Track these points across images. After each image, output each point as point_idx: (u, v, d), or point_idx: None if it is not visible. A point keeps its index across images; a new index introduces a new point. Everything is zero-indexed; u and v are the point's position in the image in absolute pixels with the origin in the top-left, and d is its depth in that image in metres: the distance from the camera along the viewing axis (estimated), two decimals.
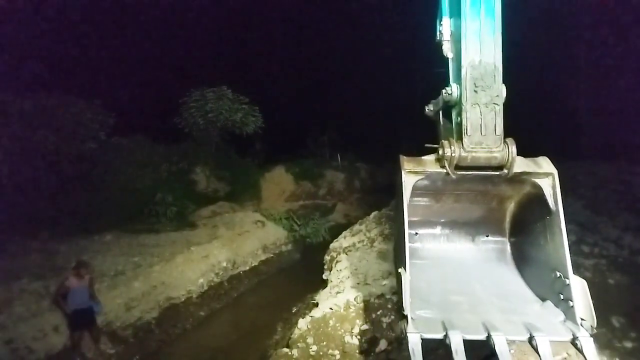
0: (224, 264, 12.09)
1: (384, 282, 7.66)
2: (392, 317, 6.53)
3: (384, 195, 17.03)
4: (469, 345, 3.61)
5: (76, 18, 21.87)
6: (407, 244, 4.05)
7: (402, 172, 4.20)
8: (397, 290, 4.92)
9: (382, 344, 6.01)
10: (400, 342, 5.92)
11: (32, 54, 18.69)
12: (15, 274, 9.18)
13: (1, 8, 16.41)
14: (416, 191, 4.31)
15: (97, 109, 14.65)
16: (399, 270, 4.10)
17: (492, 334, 3.61)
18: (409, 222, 4.12)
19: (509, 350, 3.56)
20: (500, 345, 3.54)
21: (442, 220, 5.35)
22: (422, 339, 3.63)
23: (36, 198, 12.23)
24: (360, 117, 28.78)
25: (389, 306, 6.79)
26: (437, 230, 5.40)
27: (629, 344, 5.66)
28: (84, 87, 18.45)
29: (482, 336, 3.68)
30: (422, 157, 4.37)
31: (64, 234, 12.22)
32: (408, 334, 3.64)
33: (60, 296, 7.64)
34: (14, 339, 7.31)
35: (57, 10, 20.59)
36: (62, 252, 10.81)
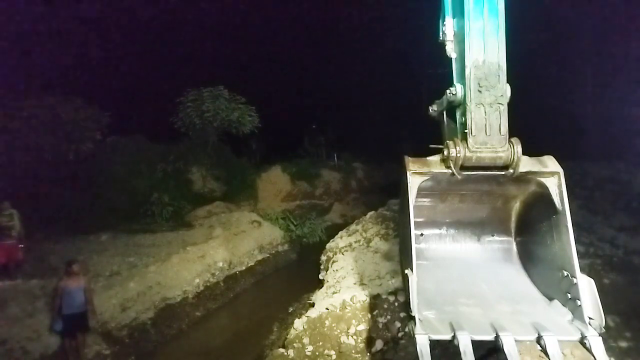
0: (220, 264, 12.04)
1: (380, 282, 7.65)
2: (389, 317, 6.52)
3: (380, 195, 17.05)
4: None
5: (73, 18, 21.79)
6: (414, 246, 4.03)
7: (407, 173, 4.16)
8: (405, 292, 4.91)
9: (378, 344, 6.00)
10: (396, 343, 5.92)
11: (28, 55, 18.61)
12: (10, 274, 9.14)
13: None
14: (421, 192, 4.28)
15: (93, 108, 14.61)
16: (406, 271, 4.07)
17: (500, 334, 3.60)
18: (414, 222, 4.11)
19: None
20: (508, 345, 3.53)
21: (448, 221, 5.34)
22: (430, 340, 3.61)
23: (31, 198, 12.15)
24: (357, 117, 28.84)
25: (385, 306, 6.78)
26: (443, 230, 5.38)
27: (624, 344, 5.68)
28: (80, 87, 18.39)
29: (490, 336, 3.66)
30: (427, 158, 4.34)
31: (59, 233, 12.16)
32: (416, 336, 3.62)
33: (58, 297, 7.26)
34: (8, 340, 7.24)
35: (54, 11, 20.50)
36: (57, 252, 10.75)
